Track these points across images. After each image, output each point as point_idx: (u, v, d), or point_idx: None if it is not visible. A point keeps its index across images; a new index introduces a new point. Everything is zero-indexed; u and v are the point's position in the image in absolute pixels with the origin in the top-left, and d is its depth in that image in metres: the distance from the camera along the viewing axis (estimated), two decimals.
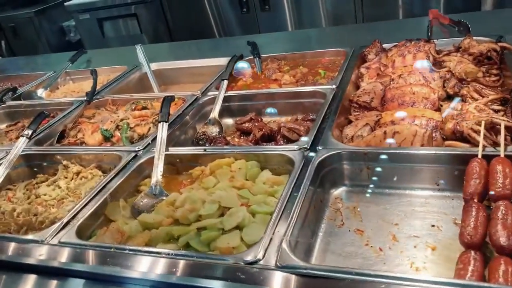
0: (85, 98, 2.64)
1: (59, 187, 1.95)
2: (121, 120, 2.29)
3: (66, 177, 2.01)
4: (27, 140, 2.17)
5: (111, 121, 2.28)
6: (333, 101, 2.01)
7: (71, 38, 7.32)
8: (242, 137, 2.07)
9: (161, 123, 1.97)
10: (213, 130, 2.20)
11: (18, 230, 1.69)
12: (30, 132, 2.19)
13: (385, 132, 1.66)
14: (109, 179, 1.77)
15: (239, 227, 1.42)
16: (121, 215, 1.66)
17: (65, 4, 6.54)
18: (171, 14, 5.99)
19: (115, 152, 1.98)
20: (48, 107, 2.77)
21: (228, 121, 2.35)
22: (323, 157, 1.58)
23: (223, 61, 2.89)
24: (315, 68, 2.56)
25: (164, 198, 1.70)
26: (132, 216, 1.66)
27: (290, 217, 1.35)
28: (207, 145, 2.07)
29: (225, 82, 2.39)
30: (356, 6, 5.19)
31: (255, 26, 5.67)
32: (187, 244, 1.42)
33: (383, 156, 1.55)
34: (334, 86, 2.15)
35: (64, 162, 2.04)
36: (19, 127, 2.67)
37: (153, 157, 1.86)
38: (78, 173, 2.00)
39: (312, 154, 1.64)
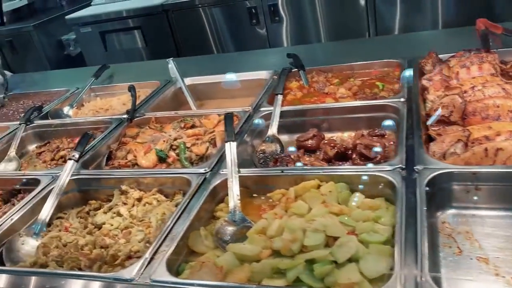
0: (125, 116, 2.49)
1: (120, 215, 1.80)
2: (175, 139, 2.14)
3: (125, 203, 1.86)
4: (75, 163, 2.01)
5: (164, 141, 2.14)
6: (409, 116, 1.90)
7: (70, 52, 7.13)
8: (311, 156, 1.94)
9: (228, 142, 1.84)
10: (273, 148, 2.07)
11: (90, 266, 1.53)
12: (77, 154, 2.03)
13: (486, 149, 1.55)
14: (184, 205, 1.63)
15: (351, 259, 1.29)
16: (205, 246, 1.52)
17: (66, 17, 6.38)
18: (177, 27, 5.84)
19: (182, 175, 1.83)
20: (82, 126, 2.62)
21: (283, 137, 2.22)
22: (429, 177, 1.46)
23: (261, 75, 2.79)
24: (368, 81, 2.45)
25: (248, 225, 1.57)
26: (218, 246, 1.52)
27: (417, 247, 1.22)
28: (271, 164, 1.94)
29: (280, 97, 2.27)
30: (370, 19, 5.12)
31: (265, 38, 5.58)
32: (297, 279, 1.28)
33: (494, 176, 1.44)
34: (403, 99, 2.04)
35: (123, 187, 1.89)
36: (53, 148, 2.50)
37: (225, 179, 1.72)
38: (139, 199, 1.85)
39: (408, 174, 1.52)
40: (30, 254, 1.67)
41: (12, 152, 2.49)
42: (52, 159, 2.43)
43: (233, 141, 1.84)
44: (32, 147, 2.69)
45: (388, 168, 1.58)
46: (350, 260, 1.29)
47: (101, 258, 1.54)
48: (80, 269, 1.54)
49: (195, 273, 1.34)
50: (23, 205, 1.87)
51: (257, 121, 2.21)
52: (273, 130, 2.13)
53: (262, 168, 1.85)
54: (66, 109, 2.97)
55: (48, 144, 2.64)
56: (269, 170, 1.80)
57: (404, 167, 1.57)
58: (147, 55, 6.26)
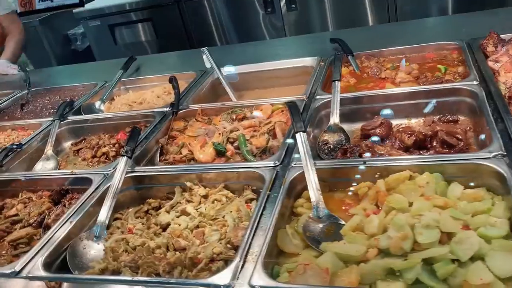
0: (167, 109, 2.35)
1: (187, 214, 1.66)
2: (231, 131, 2.01)
3: (189, 201, 1.73)
4: (129, 160, 1.87)
5: (219, 134, 2.00)
6: (489, 99, 1.78)
7: (77, 47, 6.96)
8: (383, 145, 1.80)
9: (299, 133, 1.70)
10: (336, 138, 1.94)
11: (169, 271, 1.40)
12: (130, 150, 1.90)
13: None
14: (263, 202, 1.50)
15: (473, 257, 1.17)
16: (294, 245, 1.40)
17: (74, 11, 6.19)
18: (189, 18, 5.67)
19: (252, 170, 1.70)
20: (121, 121, 2.49)
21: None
22: None
23: (304, 62, 2.65)
24: (426, 64, 2.32)
25: (335, 222, 1.44)
26: (309, 246, 1.39)
27: None
28: (338, 155, 1.81)
29: (338, 83, 2.13)
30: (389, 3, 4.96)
31: (281, 27, 5.42)
32: (416, 280, 1.16)
33: None
34: (476, 82, 1.91)
35: (188, 184, 1.76)
36: (92, 144, 2.36)
37: (301, 173, 1.59)
38: (205, 196, 1.72)
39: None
40: (95, 260, 1.54)
41: (49, 150, 2.35)
42: (94, 156, 2.30)
43: (303, 131, 1.71)
44: (67, 144, 2.55)
45: (487, 155, 1.45)
46: (472, 258, 1.17)
47: (181, 262, 1.41)
48: (157, 275, 1.41)
49: (298, 277, 1.22)
50: (79, 206, 1.73)
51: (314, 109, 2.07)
52: (335, 119, 1.99)
53: (339, 160, 1.72)
54: (97, 104, 2.82)
55: (84, 141, 2.50)
56: (349, 161, 1.67)
57: (504, 153, 1.44)
58: (158, 48, 6.09)
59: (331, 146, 1.90)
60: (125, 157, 1.87)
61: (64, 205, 1.88)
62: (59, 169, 2.28)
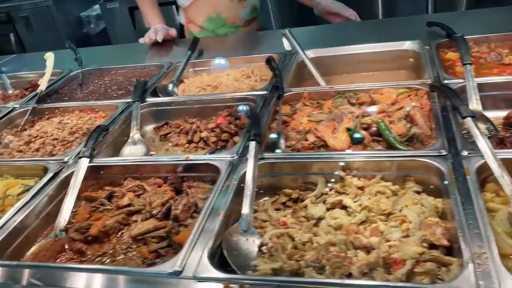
0: (266, 93, 2.16)
1: (348, 208, 1.47)
2: (363, 116, 1.82)
3: (342, 193, 1.53)
4: (258, 145, 1.67)
5: (349, 119, 1.81)
6: None
7: (90, 30, 6.65)
8: None
9: (468, 118, 1.53)
10: (482, 126, 1.77)
11: (365, 273, 1.21)
12: (258, 134, 1.69)
13: None
14: (459, 196, 1.32)
15: None
16: (510, 246, 1.22)
17: None
18: None
19: (419, 159, 1.51)
20: (210, 104, 2.28)
21: None
22: None
23: (402, 45, 2.47)
24: None
25: None
26: None
27: None
28: (493, 145, 1.62)
29: (470, 67, 1.95)
30: None
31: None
32: None
33: None
34: None
35: (342, 173, 1.56)
36: (186, 129, 2.14)
37: (482, 163, 1.42)
38: (361, 188, 1.53)
39: None
40: (248, 257, 1.34)
41: (136, 134, 2.13)
42: (190, 142, 2.08)
43: (473, 116, 1.53)
44: (148, 128, 2.31)
45: None
46: None
47: (377, 262, 1.22)
48: (348, 276, 1.21)
49: None
50: (216, 196, 1.52)
51: None
52: (475, 105, 1.82)
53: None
54: (170, 86, 2.59)
55: (166, 125, 2.28)
56: None
57: None
58: (181, 32, 5.83)
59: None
60: (254, 142, 1.66)
61: (187, 194, 1.66)
62: (150, 155, 2.05)
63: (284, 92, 2.12)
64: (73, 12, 6.52)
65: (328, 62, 2.58)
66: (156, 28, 3.28)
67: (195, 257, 1.28)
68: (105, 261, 1.48)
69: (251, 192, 1.50)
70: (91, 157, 1.84)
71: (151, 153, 2.08)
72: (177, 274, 1.24)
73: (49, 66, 2.72)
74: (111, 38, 6.27)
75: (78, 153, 1.90)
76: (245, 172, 1.59)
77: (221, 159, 1.72)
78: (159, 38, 3.21)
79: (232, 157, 1.72)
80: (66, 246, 1.56)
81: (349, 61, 2.55)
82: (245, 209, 1.46)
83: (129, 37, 5.87)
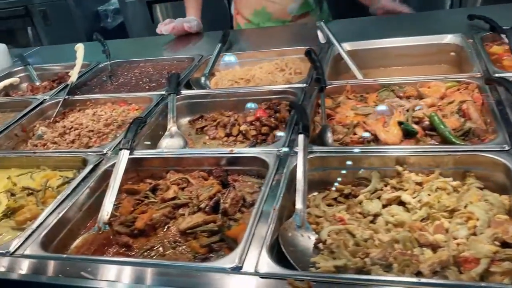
0: (305, 85, 2.11)
1: (406, 204, 1.41)
2: (412, 110, 1.76)
3: (399, 188, 1.47)
4: (307, 139, 1.61)
5: (399, 112, 1.75)
6: None
7: (107, 25, 6.59)
8: None
9: None
10: None
11: (436, 272, 1.15)
12: (306, 126, 1.64)
13: None
14: None
15: None
16: None
17: None
18: None
19: (481, 154, 1.45)
20: (247, 97, 2.21)
21: None
22: None
23: (443, 38, 2.41)
24: None
25: None
26: None
27: None
28: None
29: None
30: None
31: None
32: None
33: None
34: None
35: (399, 168, 1.50)
36: (224, 122, 2.09)
37: None
38: (420, 183, 1.47)
39: None
40: (304, 253, 1.29)
41: (173, 126, 2.08)
42: (228, 135, 2.02)
43: None
44: (183, 121, 2.26)
45: None
46: None
47: (449, 261, 1.16)
48: (417, 275, 1.15)
49: None
50: (269, 190, 1.47)
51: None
52: None
53: None
54: (202, 79, 2.54)
55: (202, 118, 2.23)
56: None
57: None
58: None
59: None
60: (303, 135, 1.61)
61: (234, 187, 1.61)
62: (189, 147, 2.00)
63: (327, 84, 2.05)
64: (90, 6, 6.48)
65: (365, 55, 2.51)
66: (174, 20, 3.21)
67: (254, 252, 1.23)
68: (153, 255, 1.42)
69: (303, 187, 1.44)
70: (131, 149, 1.78)
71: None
72: (237, 270, 1.18)
73: (79, 57, 2.68)
74: (129, 32, 6.22)
75: (117, 145, 1.85)
76: (294, 166, 1.54)
77: (268, 152, 1.66)
78: (166, 31, 3.14)
79: (279, 150, 1.66)
80: (111, 239, 1.50)
81: (386, 54, 2.48)
82: (299, 205, 1.41)
83: (147, 31, 5.81)
